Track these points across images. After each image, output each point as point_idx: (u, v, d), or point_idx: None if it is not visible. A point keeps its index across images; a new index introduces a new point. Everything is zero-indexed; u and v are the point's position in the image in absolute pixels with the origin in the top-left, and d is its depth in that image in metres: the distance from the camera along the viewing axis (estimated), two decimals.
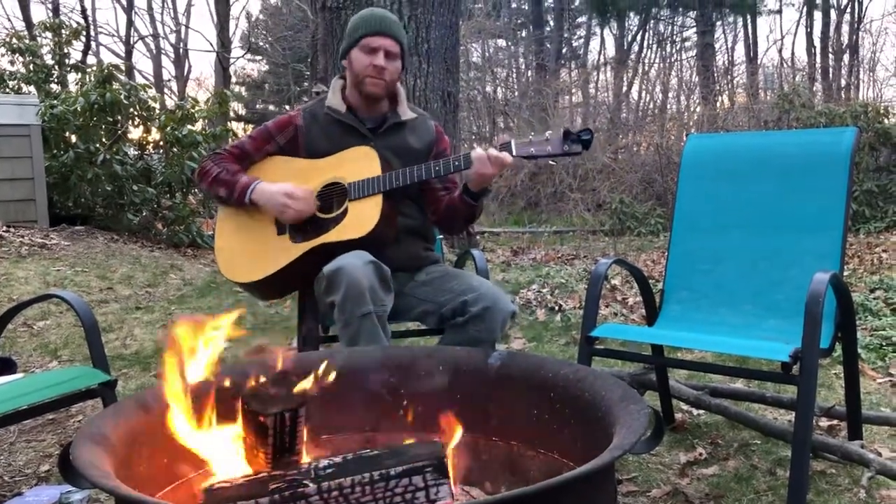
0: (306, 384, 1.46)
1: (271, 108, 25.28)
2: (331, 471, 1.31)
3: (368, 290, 2.04)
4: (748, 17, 19.79)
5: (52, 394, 1.98)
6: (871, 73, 18.60)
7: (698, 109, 13.61)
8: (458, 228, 2.46)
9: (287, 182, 2.34)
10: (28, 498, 2.15)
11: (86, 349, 2.26)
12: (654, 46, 21.10)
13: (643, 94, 17.13)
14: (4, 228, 6.39)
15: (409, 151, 2.39)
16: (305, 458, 1.45)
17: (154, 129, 7.66)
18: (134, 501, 1.12)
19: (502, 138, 2.18)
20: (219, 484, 1.31)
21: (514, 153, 2.17)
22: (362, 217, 2.23)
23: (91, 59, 14.83)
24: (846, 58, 18.40)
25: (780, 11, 20.65)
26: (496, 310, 2.14)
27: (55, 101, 7.20)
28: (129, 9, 22.02)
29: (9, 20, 19.19)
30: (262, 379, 1.43)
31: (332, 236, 2.25)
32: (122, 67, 7.95)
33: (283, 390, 1.41)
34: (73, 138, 7.34)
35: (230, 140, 7.76)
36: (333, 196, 2.31)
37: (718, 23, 19.88)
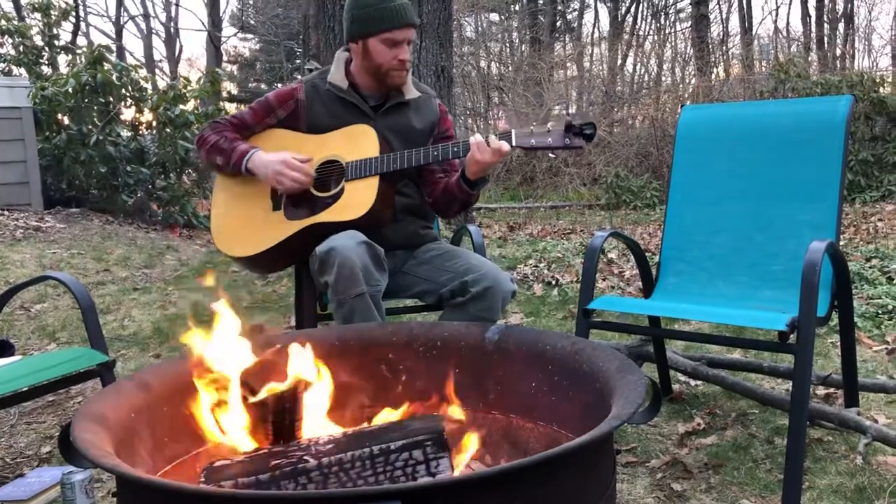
0: (304, 362, 1.46)
1: (263, 86, 25.10)
2: (331, 446, 1.32)
3: (362, 270, 2.04)
4: None
5: (50, 375, 1.98)
6: (867, 43, 18.52)
7: (693, 81, 13.53)
8: (453, 213, 2.41)
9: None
10: (30, 479, 2.16)
11: (84, 331, 2.26)
12: (649, 18, 20.92)
13: (638, 66, 16.99)
14: None
15: (410, 131, 2.37)
16: (305, 435, 1.46)
17: (146, 110, 7.59)
18: (135, 480, 1.12)
19: (503, 126, 2.12)
20: (220, 462, 1.32)
21: (513, 143, 2.13)
22: (358, 199, 2.21)
23: (81, 40, 14.71)
24: (841, 27, 18.27)
25: None
26: (497, 290, 2.14)
27: (46, 83, 7.13)
28: None
29: None
30: (261, 358, 1.43)
31: (327, 216, 2.23)
32: (112, 48, 7.85)
33: (282, 369, 1.41)
34: (66, 120, 7.28)
35: None
36: (331, 175, 2.29)
37: None
